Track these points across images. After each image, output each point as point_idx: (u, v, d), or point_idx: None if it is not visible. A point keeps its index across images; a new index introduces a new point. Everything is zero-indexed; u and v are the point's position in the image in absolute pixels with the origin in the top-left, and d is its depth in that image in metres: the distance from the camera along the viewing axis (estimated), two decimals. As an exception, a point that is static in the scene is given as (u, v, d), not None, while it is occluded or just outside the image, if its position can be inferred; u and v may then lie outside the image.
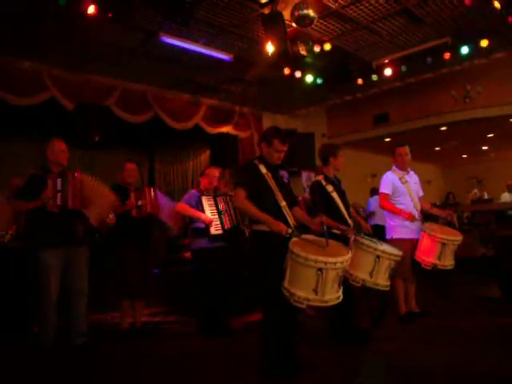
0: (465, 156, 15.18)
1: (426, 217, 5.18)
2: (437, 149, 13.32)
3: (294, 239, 3.32)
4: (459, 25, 6.49)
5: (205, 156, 10.38)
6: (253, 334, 3.91)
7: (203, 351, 4.45)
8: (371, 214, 8.75)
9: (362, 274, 3.91)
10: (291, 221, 3.57)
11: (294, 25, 5.77)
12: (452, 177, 16.72)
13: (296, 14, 5.47)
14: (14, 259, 5.06)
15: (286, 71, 7.29)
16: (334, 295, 3.20)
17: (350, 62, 7.58)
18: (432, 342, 4.28)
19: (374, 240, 4.06)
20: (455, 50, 6.99)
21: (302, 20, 5.51)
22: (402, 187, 5.08)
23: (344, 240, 3.84)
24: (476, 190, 12.56)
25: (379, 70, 7.74)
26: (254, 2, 5.58)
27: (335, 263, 3.10)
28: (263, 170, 3.65)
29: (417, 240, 4.84)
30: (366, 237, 4.11)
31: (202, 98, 8.87)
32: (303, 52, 6.61)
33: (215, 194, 5.19)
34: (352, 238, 4.03)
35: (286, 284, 3.23)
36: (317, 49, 6.67)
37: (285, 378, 3.42)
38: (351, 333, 4.33)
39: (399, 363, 3.74)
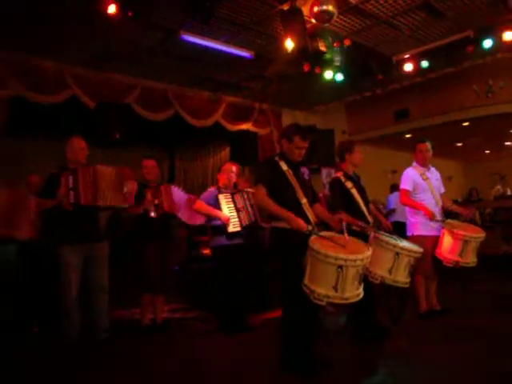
0: (487, 152, 14.95)
1: (447, 214, 5.13)
2: (458, 145, 13.15)
3: (314, 236, 3.32)
4: (482, 18, 6.38)
5: (225, 153, 10.41)
6: (271, 331, 3.93)
7: (223, 347, 4.49)
8: (392, 211, 8.68)
9: (380, 271, 3.88)
10: (312, 218, 3.57)
11: (313, 21, 5.74)
12: (473, 173, 16.49)
13: (315, 9, 5.45)
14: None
15: (306, 67, 7.26)
16: (354, 292, 3.20)
17: (370, 58, 7.52)
18: (452, 340, 4.23)
19: (394, 237, 4.04)
20: (478, 44, 6.87)
21: (322, 16, 5.48)
22: (423, 183, 5.04)
23: (363, 237, 3.82)
24: (499, 187, 12.37)
25: (399, 66, 7.66)
26: (274, -1, 5.57)
27: (355, 260, 3.10)
28: (284, 166, 3.66)
29: (438, 237, 4.80)
30: (386, 233, 4.08)
31: (221, 96, 8.89)
32: (322, 48, 6.58)
33: (233, 191, 5.19)
34: (372, 234, 4.01)
35: (306, 281, 3.24)
36: (336, 44, 6.64)
37: (305, 375, 3.42)
38: (371, 330, 4.32)
39: (418, 361, 3.72)
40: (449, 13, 6.18)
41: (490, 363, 3.58)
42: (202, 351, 4.44)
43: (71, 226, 4.32)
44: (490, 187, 12.67)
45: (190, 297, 6.53)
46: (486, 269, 6.18)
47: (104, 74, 7.33)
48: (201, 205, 5.09)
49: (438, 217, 4.91)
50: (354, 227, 4.02)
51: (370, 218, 4.35)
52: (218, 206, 5.03)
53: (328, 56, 7.01)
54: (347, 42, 6.65)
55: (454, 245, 4.57)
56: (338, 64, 7.33)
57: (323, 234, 3.43)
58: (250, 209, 5.11)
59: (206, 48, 6.66)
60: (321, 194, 5.49)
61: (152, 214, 4.91)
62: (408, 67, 7.57)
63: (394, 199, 8.71)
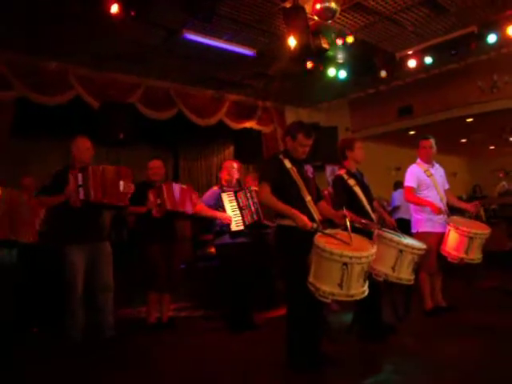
0: (492, 148, 14.88)
1: (452, 210, 5.11)
2: (463, 141, 13.09)
3: (319, 234, 3.32)
4: (485, 13, 6.35)
5: (229, 152, 10.42)
6: (276, 329, 3.93)
7: (228, 346, 4.49)
8: (396, 209, 8.66)
9: (384, 268, 3.86)
10: (316, 215, 3.56)
11: (315, 18, 5.73)
12: (478, 169, 16.41)
13: (318, 6, 5.43)
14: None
15: (309, 65, 7.24)
16: (359, 290, 3.20)
17: (373, 54, 7.50)
18: (458, 337, 4.22)
19: (398, 234, 4.03)
20: (482, 40, 6.83)
21: (324, 13, 5.46)
22: (428, 180, 5.02)
23: (367, 234, 3.82)
24: (504, 183, 12.32)
25: (403, 62, 7.63)
26: (276, -4, 5.56)
27: (360, 257, 3.10)
28: (288, 164, 3.65)
29: (443, 234, 4.79)
30: (390, 231, 4.07)
31: (225, 94, 8.90)
32: (325, 45, 6.56)
33: (236, 189, 5.18)
34: (375, 232, 4.00)
35: (311, 279, 3.24)
36: (339, 41, 6.63)
37: (310, 373, 3.43)
38: (376, 327, 4.31)
39: (424, 358, 3.72)
40: (452, 8, 6.16)
41: (496, 360, 3.57)
42: (208, 349, 4.44)
43: (78, 225, 4.35)
44: (495, 183, 12.63)
45: (196, 295, 6.53)
46: (492, 265, 6.14)
47: (107, 73, 7.35)
48: (201, 207, 5.11)
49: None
50: (357, 224, 4.01)
51: (373, 216, 4.33)
52: (221, 204, 5.03)
53: (331, 53, 7.01)
54: (350, 39, 6.63)
55: (460, 241, 4.55)
56: (340, 61, 7.32)
57: (328, 231, 3.43)
58: (253, 207, 5.08)
59: (209, 46, 6.66)
60: (325, 191, 5.49)
61: (155, 214, 4.93)
62: (411, 63, 7.54)
63: (397, 196, 8.68)
